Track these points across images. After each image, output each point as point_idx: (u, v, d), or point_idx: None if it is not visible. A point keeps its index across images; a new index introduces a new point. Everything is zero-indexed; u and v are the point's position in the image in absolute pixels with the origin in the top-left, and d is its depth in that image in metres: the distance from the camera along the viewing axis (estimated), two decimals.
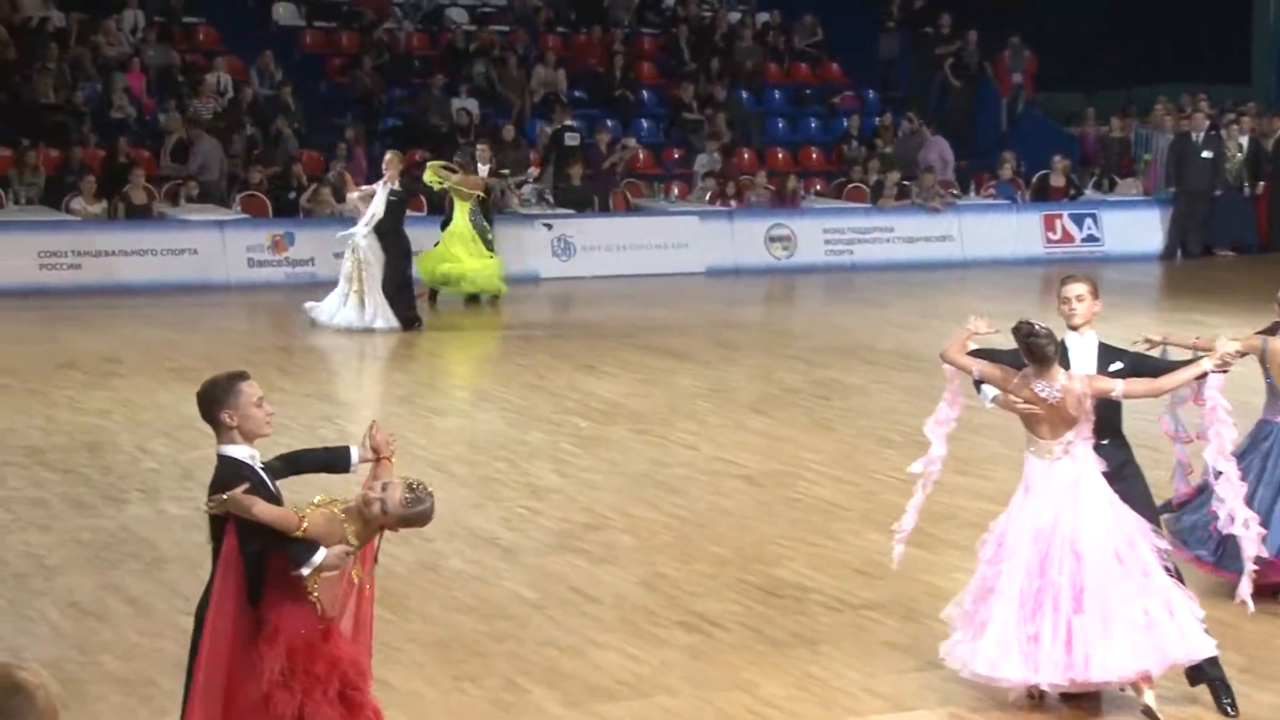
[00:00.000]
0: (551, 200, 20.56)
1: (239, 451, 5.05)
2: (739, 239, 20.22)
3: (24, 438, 10.34)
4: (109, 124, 20.20)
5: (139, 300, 16.90)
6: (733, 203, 20.87)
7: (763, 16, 25.24)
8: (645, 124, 23.38)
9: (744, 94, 23.93)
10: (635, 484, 9.68)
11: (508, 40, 23.73)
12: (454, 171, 16.59)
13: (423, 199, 18.33)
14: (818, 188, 22.03)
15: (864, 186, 21.64)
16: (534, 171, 18.46)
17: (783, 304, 18.76)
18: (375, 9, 23.74)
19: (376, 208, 15.07)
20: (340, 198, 15.44)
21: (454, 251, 16.39)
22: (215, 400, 5.06)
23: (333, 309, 15.07)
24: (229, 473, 4.96)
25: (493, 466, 9.99)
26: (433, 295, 16.75)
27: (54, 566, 7.88)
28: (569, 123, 21.43)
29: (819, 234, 20.51)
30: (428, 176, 16.49)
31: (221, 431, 5.08)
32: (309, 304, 15.33)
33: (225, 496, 4.86)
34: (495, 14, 24.69)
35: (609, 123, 22.15)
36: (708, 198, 21.07)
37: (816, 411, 11.84)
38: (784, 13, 25.11)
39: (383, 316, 14.99)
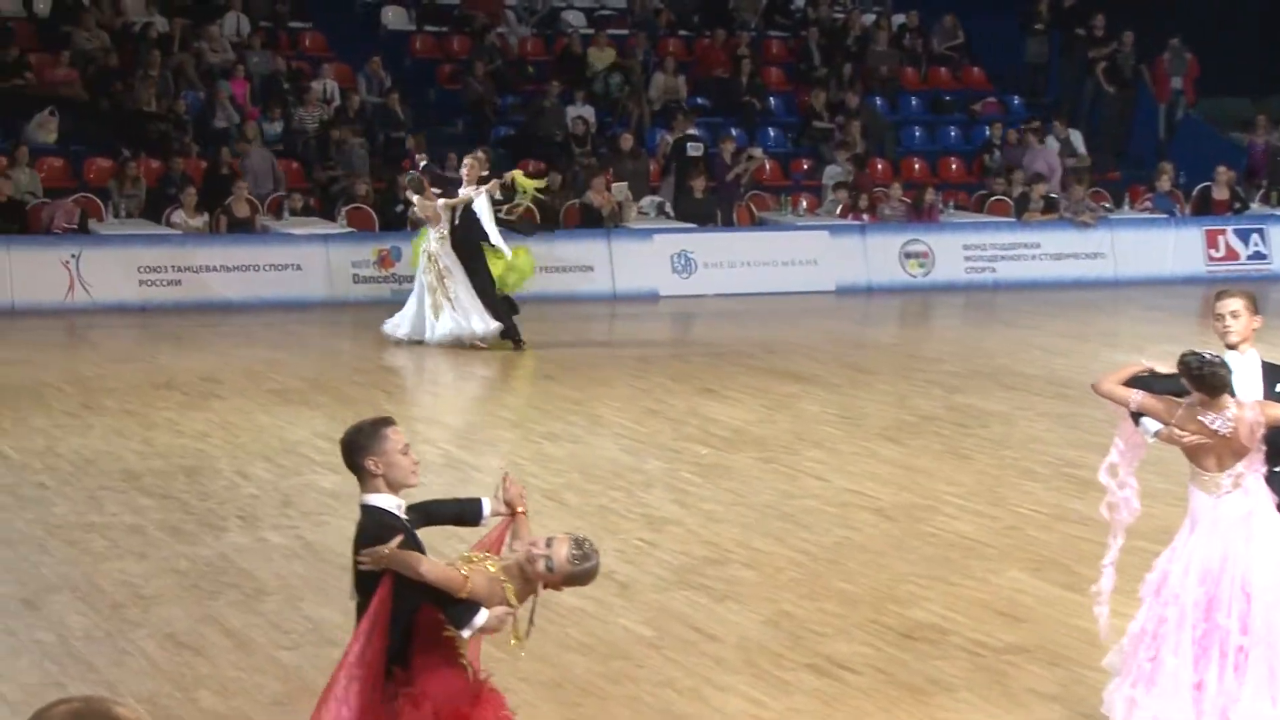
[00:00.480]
0: (671, 213, 20.60)
1: (385, 501, 5.01)
2: (872, 255, 20.09)
3: (121, 461, 10.55)
4: (211, 133, 20.58)
5: (240, 318, 17.20)
6: (865, 216, 20.75)
7: (899, 18, 25.10)
8: (772, 133, 23.35)
9: (878, 101, 23.80)
10: (759, 516, 9.63)
11: (627, 45, 23.83)
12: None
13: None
14: (957, 200, 21.84)
15: (1007, 199, 21.40)
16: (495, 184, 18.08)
17: (918, 325, 18.59)
18: (488, 12, 23.95)
19: (482, 210, 15.20)
20: (416, 198, 15.36)
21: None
22: (360, 446, 5.04)
23: (424, 326, 15.16)
24: (376, 524, 4.91)
25: (608, 496, 10.00)
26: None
27: (150, 596, 8.01)
28: (691, 132, 21.46)
29: (958, 250, 20.31)
30: (522, 185, 16.19)
31: (366, 479, 5.05)
32: (389, 324, 15.46)
33: (385, 552, 4.81)
34: (614, 17, 24.81)
35: (733, 132, 22.15)
36: (838, 211, 20.97)
37: (954, 440, 11.71)
38: (922, 13, 24.94)
39: (480, 318, 15.14)
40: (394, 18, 24.23)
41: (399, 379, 14.49)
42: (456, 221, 15.30)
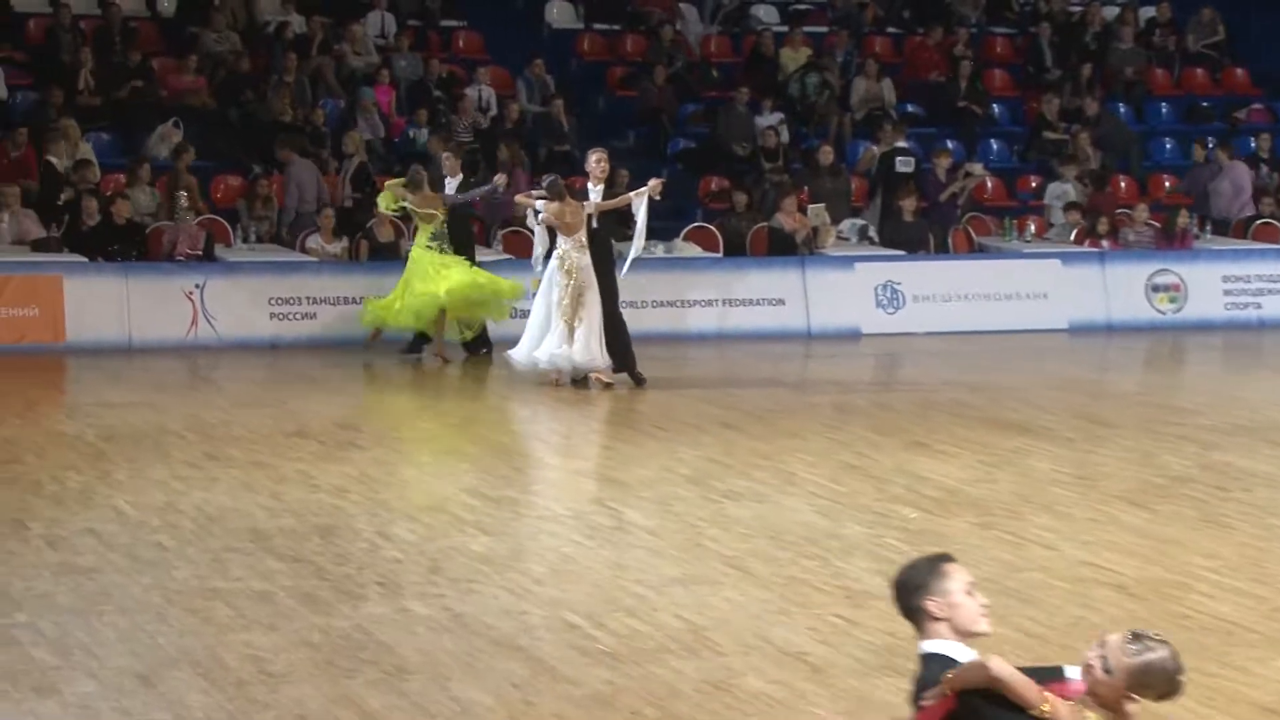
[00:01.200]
0: (876, 239, 20.53)
1: (950, 649, 4.97)
2: (1112, 288, 19.81)
3: (248, 519, 10.78)
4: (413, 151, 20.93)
5: (382, 356, 17.45)
6: (1104, 243, 20.47)
7: (1147, 11, 24.77)
8: (995, 145, 23.17)
9: (1121, 107, 23.49)
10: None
11: (825, 44, 23.84)
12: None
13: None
14: (1214, 225, 21.44)
15: (1276, 223, 20.95)
16: (501, 179, 18.12)
17: (1168, 370, 18.26)
18: (665, 7, 24.12)
19: (640, 214, 15.41)
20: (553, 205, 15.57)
21: (417, 288, 16.61)
22: (917, 585, 5.07)
23: (549, 346, 15.25)
24: (942, 671, 4.89)
25: (800, 565, 9.97)
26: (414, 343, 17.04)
27: (280, 673, 8.16)
28: (900, 144, 21.38)
29: (1216, 282, 19.94)
30: (383, 201, 16.94)
31: (924, 624, 5.08)
32: (519, 353, 15.63)
33: (951, 674, 4.81)
34: (811, 12, 24.84)
35: (949, 144, 22.02)
36: (1072, 237, 20.71)
37: (1211, 506, 11.48)
38: (1175, 6, 24.58)
39: (603, 349, 15.25)
40: (559, 15, 24.51)
41: (557, 426, 14.61)
42: (595, 225, 15.43)
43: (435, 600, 9.12)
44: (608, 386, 15.39)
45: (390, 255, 18.88)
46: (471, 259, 17.01)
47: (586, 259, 15.34)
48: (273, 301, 18.04)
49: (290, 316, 18.07)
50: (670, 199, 20.94)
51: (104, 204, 18.41)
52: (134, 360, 17.11)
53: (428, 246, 16.73)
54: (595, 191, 15.55)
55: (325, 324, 18.10)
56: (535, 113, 22.33)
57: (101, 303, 17.48)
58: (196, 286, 17.70)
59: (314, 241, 19.00)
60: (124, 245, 18.28)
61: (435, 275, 16.56)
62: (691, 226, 20.43)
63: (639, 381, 15.65)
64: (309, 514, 10.91)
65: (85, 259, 17.93)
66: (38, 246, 18.06)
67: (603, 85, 23.59)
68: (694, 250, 19.81)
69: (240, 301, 17.91)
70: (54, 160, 19.09)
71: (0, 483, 11.49)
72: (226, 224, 19.40)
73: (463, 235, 17.01)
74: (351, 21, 22.47)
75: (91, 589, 9.17)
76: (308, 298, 18.15)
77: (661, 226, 19.31)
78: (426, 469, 12.30)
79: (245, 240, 19.14)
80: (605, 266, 15.52)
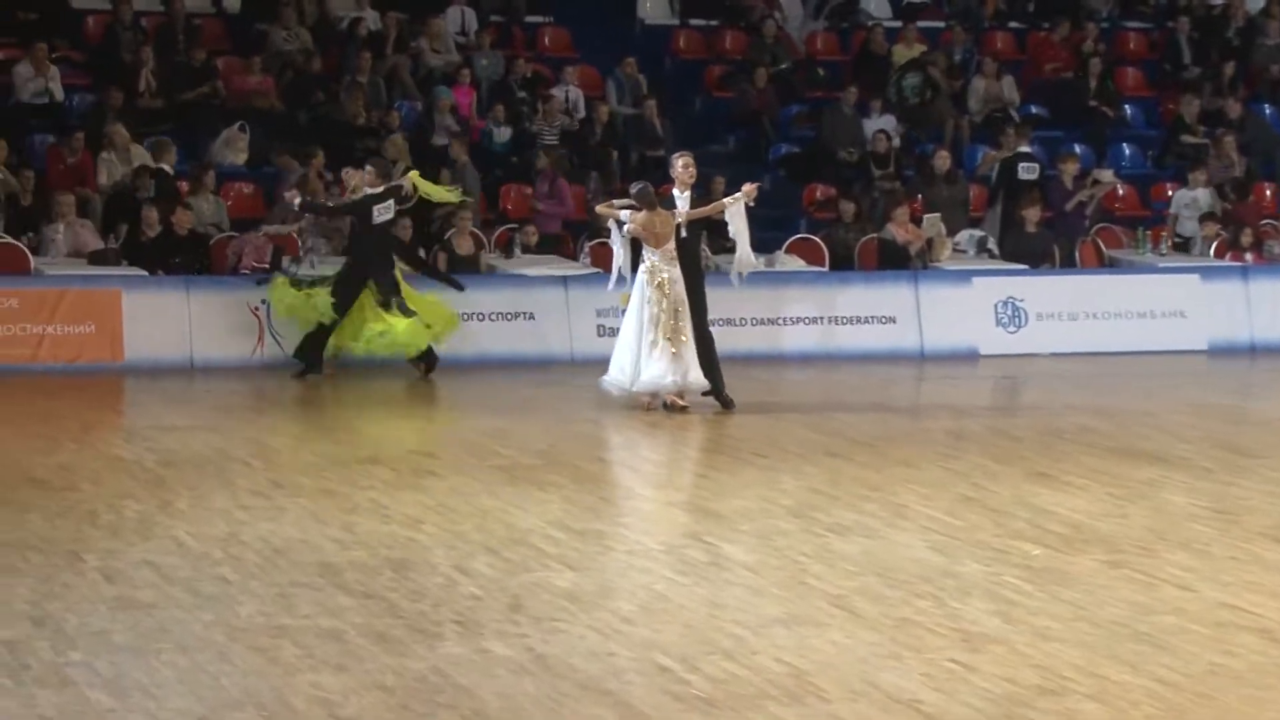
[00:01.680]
0: (996, 251, 20.45)
1: None
2: (1256, 306, 19.64)
3: (317, 551, 10.85)
4: (431, 151, 21.10)
5: (459, 378, 17.56)
6: (1248, 256, 20.29)
7: None
8: (1127, 150, 23.03)
9: (1266, 109, 23.28)
10: (1107, 635, 9.46)
11: (942, 40, 23.79)
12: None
13: None
14: None
15: None
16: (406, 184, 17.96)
17: None
18: (767, 1, 24.13)
19: (735, 222, 15.42)
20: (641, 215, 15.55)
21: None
22: None
23: (651, 368, 15.26)
24: None
25: (913, 606, 9.94)
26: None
27: (350, 718, 8.21)
28: (1023, 149, 21.29)
29: None
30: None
31: None
32: (605, 378, 15.66)
33: None
34: (925, 6, 24.80)
35: (1077, 149, 21.91)
36: (1212, 250, 20.54)
37: None
38: None
39: (697, 368, 15.25)
40: (653, 9, 24.58)
41: (649, 453, 14.63)
42: (683, 234, 15.44)
43: (517, 640, 9.15)
44: (682, 409, 15.38)
45: (469, 268, 18.98)
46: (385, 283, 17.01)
47: (678, 271, 15.35)
48: None
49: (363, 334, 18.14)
50: (772, 208, 20.97)
51: (165, 213, 18.57)
52: (196, 381, 17.28)
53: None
54: (682, 199, 15.56)
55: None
56: (626, 115, 22.40)
57: (162, 319, 17.65)
58: (263, 302, 17.85)
59: None
60: (186, 258, 18.44)
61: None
62: (794, 238, 20.42)
63: (727, 405, 15.65)
64: (381, 546, 10.97)
65: (145, 272, 18.11)
66: (95, 259, 18.25)
67: (699, 85, 23.63)
68: (797, 264, 19.80)
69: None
70: (106, 168, 19.31)
71: (55, 511, 11.64)
72: (296, 236, 19.52)
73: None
74: (431, 16, 22.59)
75: (150, 625, 9.26)
76: None
77: (762, 238, 19.27)
78: (508, 499, 12.35)
79: (317, 252, 19.22)
80: (695, 279, 15.54)
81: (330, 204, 18.00)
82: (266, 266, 18.43)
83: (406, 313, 16.85)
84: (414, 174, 17.58)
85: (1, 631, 8.96)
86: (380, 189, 16.95)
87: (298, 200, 17.69)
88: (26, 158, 19.87)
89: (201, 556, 10.61)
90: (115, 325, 17.59)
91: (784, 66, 23.39)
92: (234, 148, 20.66)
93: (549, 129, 21.64)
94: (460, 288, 17.75)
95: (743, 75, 23.13)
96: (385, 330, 16.81)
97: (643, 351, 15.36)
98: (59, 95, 20.94)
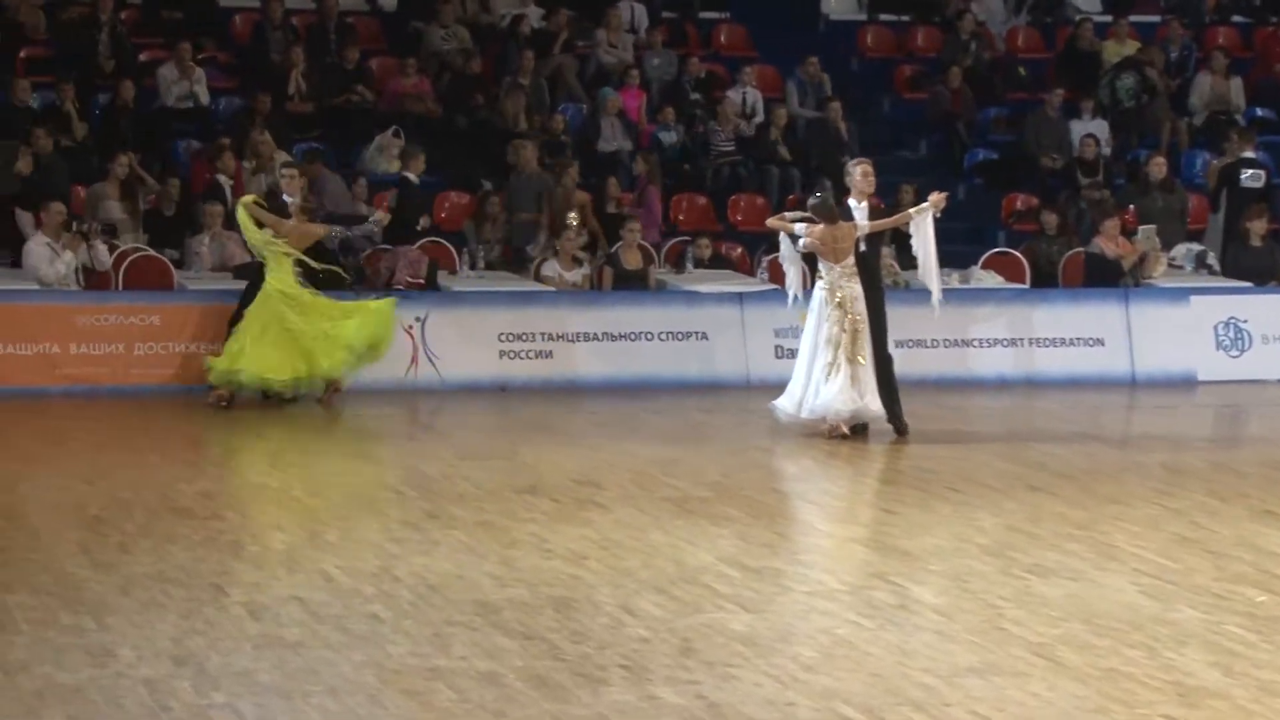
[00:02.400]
0: (1217, 267, 20.20)
1: None
2: None
3: (474, 589, 10.94)
4: (597, 159, 21.22)
5: (627, 402, 17.63)
6: None
7: None
8: None
9: None
10: None
11: (1157, 36, 23.54)
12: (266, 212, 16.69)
13: None
14: None
15: None
16: (380, 218, 17.96)
17: None
18: None
19: (921, 234, 15.35)
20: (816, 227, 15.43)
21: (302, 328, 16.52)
22: None
23: (831, 392, 15.16)
24: None
25: (1122, 656, 9.84)
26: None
27: None
28: (1247, 154, 21.02)
29: None
30: (241, 218, 16.61)
31: None
32: (778, 402, 15.62)
33: None
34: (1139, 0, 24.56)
35: None
36: None
37: None
38: None
39: (874, 394, 15.17)
40: (838, 4, 24.58)
41: (831, 486, 14.59)
42: (863, 248, 15.39)
43: (687, 687, 9.16)
44: (845, 437, 15.32)
45: (638, 284, 19.07)
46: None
47: (858, 288, 15.31)
48: (503, 338, 18.30)
49: (523, 355, 18.31)
50: (966, 220, 20.86)
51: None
52: (346, 404, 17.47)
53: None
54: (860, 209, 15.50)
55: (562, 364, 18.32)
56: (808, 118, 22.40)
57: None
58: (417, 320, 18.01)
59: (551, 268, 19.25)
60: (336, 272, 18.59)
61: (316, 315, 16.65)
62: (992, 252, 20.30)
63: (901, 431, 15.58)
64: (542, 584, 11.03)
65: None
66: (240, 273, 18.49)
67: (888, 86, 23.58)
68: (994, 279, 19.68)
69: (466, 337, 18.20)
70: (254, 176, 19.59)
71: (198, 542, 11.83)
72: (451, 248, 19.71)
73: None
74: (605, 8, 22.64)
75: (297, 666, 9.38)
76: (543, 333, 18.38)
77: (955, 252, 19.21)
78: (678, 533, 12.37)
79: (473, 267, 19.41)
80: (875, 296, 15.49)
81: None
82: (422, 282, 18.60)
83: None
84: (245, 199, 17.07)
85: (141, 669, 9.12)
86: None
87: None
88: (170, 165, 20.22)
89: (351, 592, 10.73)
90: None
91: (981, 65, 23.26)
92: (387, 154, 20.87)
93: (723, 134, 21.68)
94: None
95: (936, 75, 23.05)
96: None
97: (816, 374, 15.32)
98: (204, 99, 21.29)
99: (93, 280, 18.26)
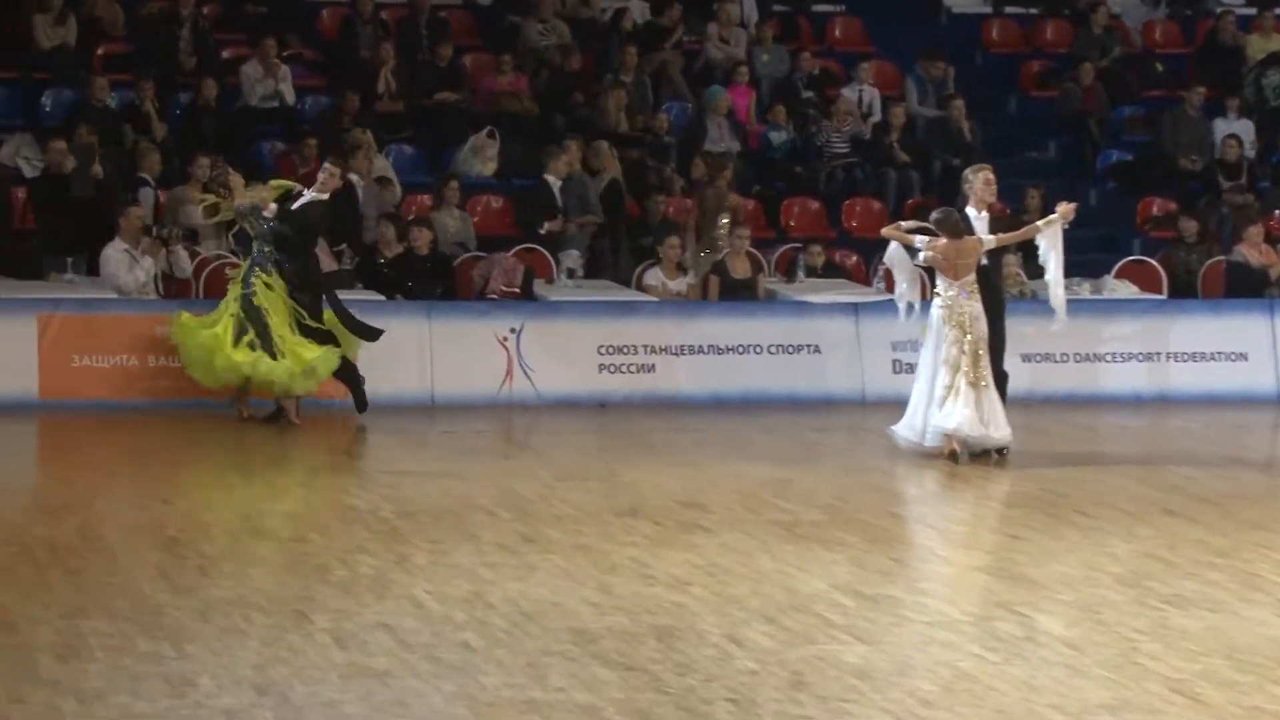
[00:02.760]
0: None
1: None
2: None
3: (571, 616, 10.94)
4: (703, 159, 21.21)
5: (734, 418, 17.61)
6: None
7: None
8: None
9: None
10: None
11: None
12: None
13: None
14: None
15: None
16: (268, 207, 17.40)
17: None
18: None
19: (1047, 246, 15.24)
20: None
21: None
22: None
23: (952, 415, 15.04)
24: None
25: (1267, 693, 9.74)
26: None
27: None
28: None
29: None
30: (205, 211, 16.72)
31: None
32: (896, 427, 15.55)
33: None
34: None
35: None
36: None
37: None
38: None
39: (1001, 420, 15.04)
40: None
41: (952, 510, 14.52)
42: (984, 263, 15.29)
43: None
44: (952, 456, 15.20)
45: (746, 294, 19.05)
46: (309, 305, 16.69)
47: (978, 306, 15.19)
48: (603, 350, 18.33)
49: (624, 369, 18.34)
50: (1098, 226, 20.74)
51: (403, 231, 18.85)
52: (436, 420, 17.54)
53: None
54: (980, 220, 15.39)
55: (665, 378, 18.32)
56: (928, 117, 22.34)
57: (400, 350, 17.86)
58: (512, 331, 18.07)
59: (653, 277, 19.26)
60: (427, 281, 18.70)
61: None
62: (1126, 260, 20.17)
63: (1002, 451, 15.42)
64: (644, 612, 11.03)
65: (381, 297, 18.40)
66: (327, 283, 18.55)
67: (1015, 83, 23.49)
68: (1129, 290, 19.55)
69: (564, 350, 18.25)
70: (353, 177, 19.64)
71: (281, 566, 11.90)
72: (549, 255, 19.75)
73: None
74: (714, 2, 22.62)
75: (385, 697, 9.41)
76: (645, 346, 18.40)
77: (1087, 260, 19.12)
78: (788, 559, 12.34)
79: (571, 275, 19.44)
80: (996, 311, 15.39)
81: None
82: (517, 291, 18.64)
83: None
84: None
85: (222, 699, 9.17)
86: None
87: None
88: (254, 167, 20.33)
89: (442, 619, 10.76)
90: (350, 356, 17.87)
91: (1115, 61, 23.12)
92: (482, 156, 20.95)
93: (837, 134, 21.65)
94: (372, 338, 17.04)
95: (1066, 71, 22.94)
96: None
97: (936, 398, 15.23)
98: (290, 98, 21.44)
99: (172, 289, 18.40)
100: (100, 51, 21.95)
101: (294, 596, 11.12)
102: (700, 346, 18.45)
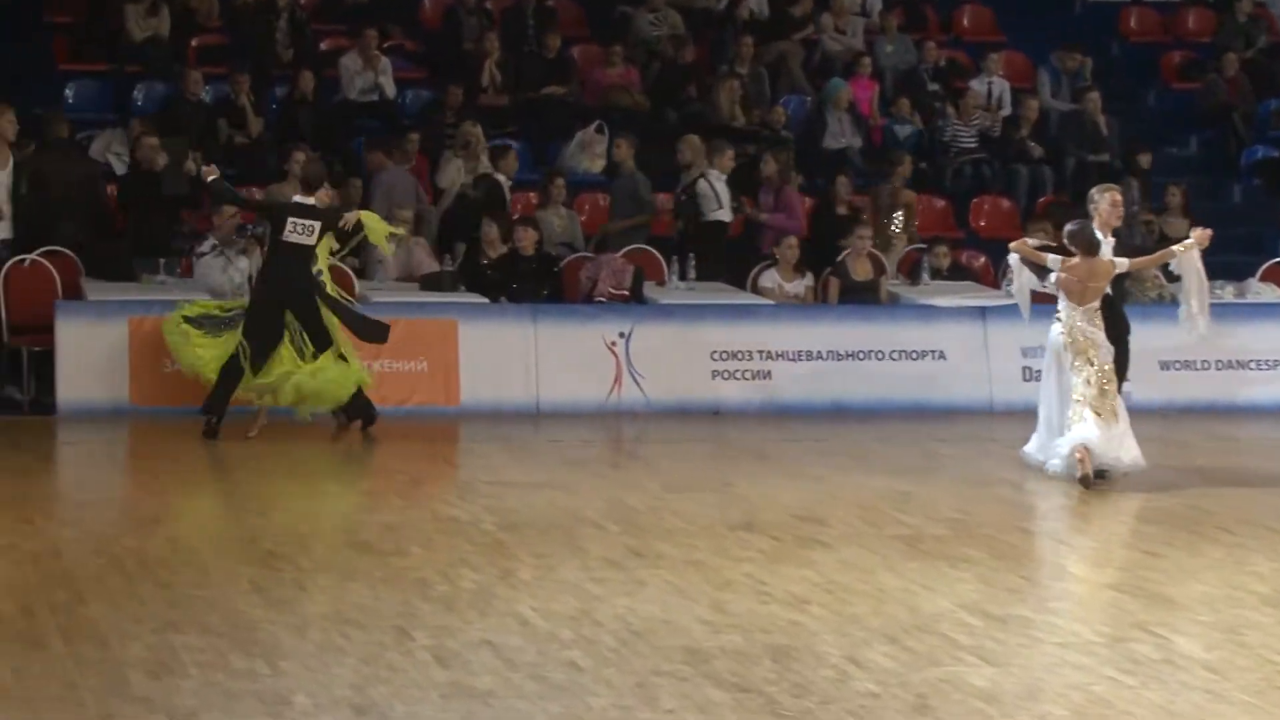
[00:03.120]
0: None
1: None
2: None
3: (683, 634, 10.97)
4: (822, 157, 21.20)
5: (853, 429, 17.60)
6: None
7: None
8: None
9: None
10: None
11: None
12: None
13: None
14: None
15: None
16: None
17: None
18: None
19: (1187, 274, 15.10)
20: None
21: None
22: None
23: (1085, 439, 14.90)
24: None
25: None
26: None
27: None
28: None
29: None
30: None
31: None
32: (1027, 449, 15.46)
33: None
34: None
35: None
36: None
37: None
38: None
39: (1132, 442, 14.87)
40: None
41: (1084, 525, 14.46)
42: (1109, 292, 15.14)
43: None
44: (1084, 481, 14.91)
45: (867, 296, 19.03)
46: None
47: (1101, 334, 14.88)
48: (716, 356, 18.36)
49: (738, 375, 18.35)
50: (1242, 225, 20.60)
51: (507, 231, 18.89)
52: (541, 428, 17.60)
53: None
54: (1106, 244, 15.16)
55: (781, 386, 18.33)
56: (1062, 111, 22.26)
57: (503, 355, 17.98)
58: (620, 335, 18.12)
59: (770, 278, 19.27)
60: (531, 282, 18.75)
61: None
62: (1271, 262, 20.02)
63: (1101, 475, 15.16)
64: (759, 630, 11.04)
65: (485, 299, 18.46)
66: (428, 284, 18.67)
67: (1154, 75, 23.36)
68: (1274, 293, 19.40)
69: (674, 355, 18.28)
70: (500, 177, 19.70)
71: (380, 580, 11.97)
72: (659, 256, 19.78)
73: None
74: None
75: (487, 717, 9.46)
76: (760, 351, 18.41)
77: (1231, 262, 18.99)
78: (911, 576, 12.33)
79: (683, 277, 19.45)
80: (1119, 335, 15.25)
81: (244, 197, 17.74)
82: (626, 293, 18.68)
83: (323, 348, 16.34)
84: (365, 214, 17.03)
85: (319, 718, 9.25)
86: (309, 201, 16.44)
87: (211, 177, 16.81)
88: (352, 164, 20.46)
89: (548, 637, 10.81)
90: (450, 362, 17.97)
91: (1261, 51, 22.96)
92: (590, 152, 21.01)
93: (965, 129, 21.59)
94: (379, 338, 16.86)
95: (1209, 62, 22.80)
96: (289, 373, 16.25)
97: (1062, 423, 15.06)
98: (390, 91, 21.56)
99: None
100: (194, 43, 22.16)
101: (393, 612, 11.19)
102: (819, 352, 18.44)
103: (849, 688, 10.05)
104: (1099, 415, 14.83)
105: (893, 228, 19.58)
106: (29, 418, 17.25)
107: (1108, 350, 14.98)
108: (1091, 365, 14.92)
